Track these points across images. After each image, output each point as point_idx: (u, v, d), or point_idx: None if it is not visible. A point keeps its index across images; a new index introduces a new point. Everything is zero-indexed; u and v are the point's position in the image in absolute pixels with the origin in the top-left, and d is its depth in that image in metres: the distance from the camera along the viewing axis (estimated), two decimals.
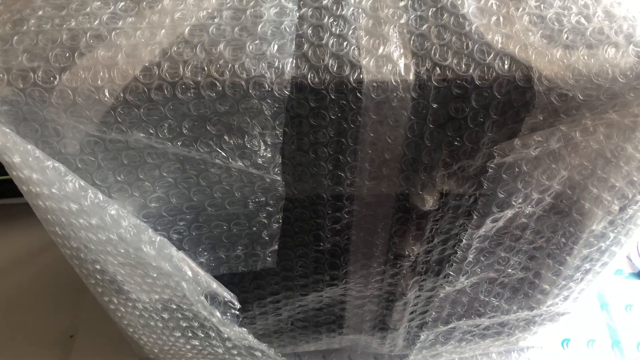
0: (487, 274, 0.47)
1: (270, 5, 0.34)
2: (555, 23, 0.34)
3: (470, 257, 0.44)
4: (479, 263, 0.45)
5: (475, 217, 0.40)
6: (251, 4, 0.34)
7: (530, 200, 0.39)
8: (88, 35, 0.33)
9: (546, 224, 0.42)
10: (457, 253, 0.44)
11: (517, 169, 0.37)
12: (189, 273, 0.36)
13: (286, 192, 0.39)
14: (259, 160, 0.36)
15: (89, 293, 0.49)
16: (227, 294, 0.39)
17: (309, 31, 0.34)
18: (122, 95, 0.32)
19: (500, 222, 0.41)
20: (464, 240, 0.42)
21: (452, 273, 0.46)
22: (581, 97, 0.33)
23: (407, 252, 0.43)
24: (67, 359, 0.65)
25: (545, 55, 0.33)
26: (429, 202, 0.39)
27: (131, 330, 0.50)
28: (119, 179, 0.36)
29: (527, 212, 0.40)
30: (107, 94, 0.32)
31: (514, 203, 0.39)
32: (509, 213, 0.40)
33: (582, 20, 0.34)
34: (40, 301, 0.70)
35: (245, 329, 0.42)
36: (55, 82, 0.32)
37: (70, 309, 0.69)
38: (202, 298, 0.38)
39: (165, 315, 0.44)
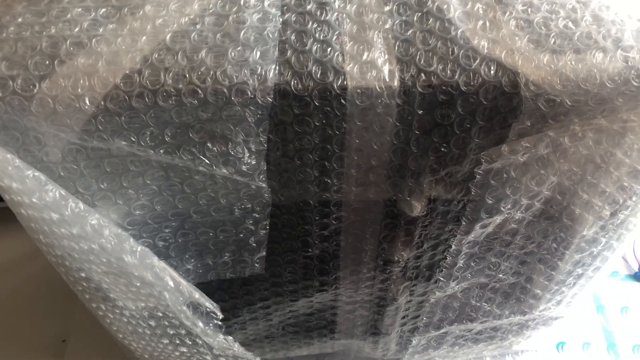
0: (478, 279, 0.47)
1: (253, 11, 0.34)
2: (543, 27, 0.33)
3: (461, 263, 0.44)
4: (469, 268, 0.45)
5: (464, 222, 0.40)
6: (234, 9, 0.34)
7: (520, 206, 0.39)
8: (68, 42, 0.32)
9: (536, 230, 0.42)
10: (447, 258, 0.43)
11: (505, 175, 0.36)
12: (171, 283, 0.36)
13: (273, 199, 0.38)
14: (244, 167, 0.35)
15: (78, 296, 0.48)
16: (209, 304, 0.38)
17: (293, 37, 0.33)
18: (102, 103, 0.31)
19: (490, 228, 0.40)
20: (453, 246, 0.42)
21: (442, 278, 0.46)
22: (569, 103, 0.33)
23: (396, 258, 0.43)
24: None
25: (532, 61, 0.32)
26: (417, 208, 0.38)
27: (121, 336, 0.50)
28: (102, 186, 0.36)
29: (517, 217, 0.40)
30: (87, 102, 0.31)
31: (502, 209, 0.38)
32: (498, 219, 0.39)
33: (570, 24, 0.33)
34: (33, 306, 0.69)
35: (230, 338, 0.42)
36: (35, 91, 0.31)
37: (62, 314, 0.68)
38: (185, 308, 0.38)
39: (152, 323, 0.44)
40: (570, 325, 0.66)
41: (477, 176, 0.36)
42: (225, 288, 0.46)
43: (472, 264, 0.44)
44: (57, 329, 0.67)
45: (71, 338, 0.67)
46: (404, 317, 0.53)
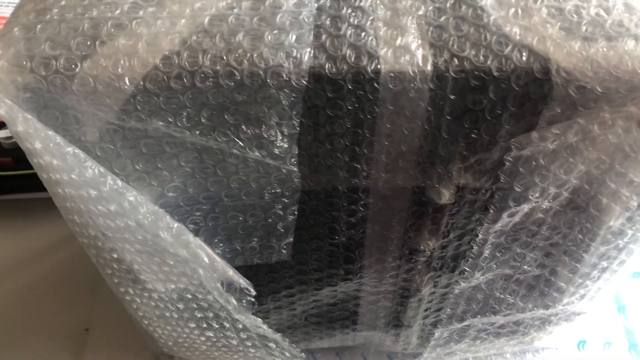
0: (503, 271, 0.47)
1: None
2: (574, 15, 0.34)
3: (486, 253, 0.44)
4: (495, 259, 0.45)
5: (491, 211, 0.40)
6: None
7: (547, 194, 0.39)
8: (109, 24, 0.33)
9: (563, 220, 0.42)
10: (472, 248, 0.44)
11: (534, 163, 0.36)
12: (206, 259, 0.36)
13: (302, 184, 0.39)
14: (276, 151, 0.36)
15: (104, 287, 0.49)
16: (243, 281, 0.39)
17: (327, 22, 0.34)
18: (142, 83, 0.32)
19: (517, 217, 0.41)
20: (480, 235, 0.42)
21: (467, 269, 0.46)
22: (600, 90, 0.33)
23: (422, 247, 0.43)
24: (81, 352, 0.66)
25: (563, 47, 0.33)
26: (445, 196, 0.38)
27: (146, 322, 0.51)
28: (137, 167, 0.37)
29: (544, 207, 0.40)
30: (127, 82, 0.32)
31: (530, 197, 0.38)
32: (525, 207, 0.40)
33: (602, 12, 0.34)
34: (56, 294, 0.70)
35: (259, 319, 0.42)
36: (77, 70, 0.32)
37: (85, 303, 0.69)
38: (218, 285, 0.38)
39: (181, 306, 0.45)
40: (592, 324, 0.66)
41: (507, 163, 0.37)
42: (250, 275, 0.47)
43: (498, 254, 0.45)
44: (80, 318, 0.68)
45: (94, 327, 0.68)
46: (426, 310, 0.53)
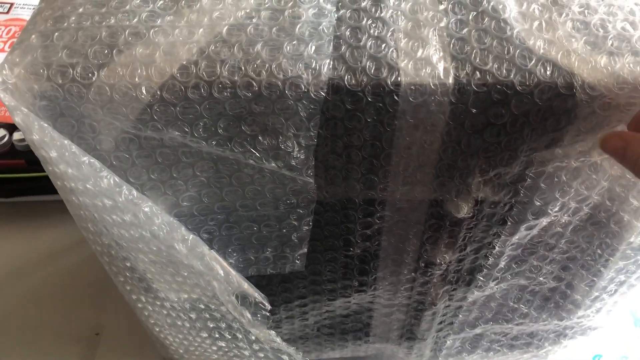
0: (518, 281, 0.46)
1: (308, 6, 0.34)
2: (600, 29, 0.33)
3: (502, 264, 0.43)
4: (510, 270, 0.45)
5: (509, 223, 0.39)
6: (289, 4, 0.34)
7: (567, 209, 0.38)
8: (127, 32, 0.33)
9: (582, 234, 0.41)
10: (489, 259, 0.43)
11: (556, 179, 0.36)
12: (221, 272, 0.36)
13: (317, 195, 0.38)
14: (292, 162, 0.35)
15: (116, 291, 0.49)
16: (258, 295, 0.38)
17: (347, 33, 0.33)
18: (159, 93, 0.32)
19: (535, 230, 0.40)
20: (496, 247, 0.42)
21: (482, 278, 0.45)
22: (625, 107, 0.32)
23: (438, 260, 0.42)
24: (92, 357, 0.66)
25: (588, 62, 0.32)
26: (464, 209, 0.38)
27: (157, 329, 0.50)
28: (152, 177, 0.36)
29: (563, 221, 0.39)
30: (144, 91, 0.32)
31: (550, 211, 0.38)
32: (544, 221, 0.39)
33: (628, 26, 0.33)
34: (67, 298, 0.70)
35: (273, 332, 0.42)
36: (94, 79, 0.32)
37: (96, 307, 0.69)
38: (233, 298, 0.38)
39: (193, 315, 0.44)
40: (608, 339, 0.65)
41: (528, 179, 0.36)
42: (264, 285, 0.46)
43: (514, 265, 0.44)
44: (91, 322, 0.68)
45: (105, 331, 0.67)
46: (441, 323, 0.52)
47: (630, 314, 0.69)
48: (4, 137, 0.74)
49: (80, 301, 0.70)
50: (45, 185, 0.76)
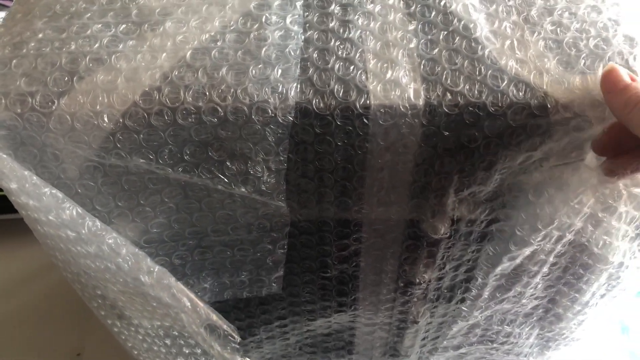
0: (502, 307, 0.45)
1: (274, 28, 0.33)
2: (572, 48, 0.32)
3: (486, 294, 0.43)
4: (494, 299, 0.44)
5: (491, 254, 0.39)
6: (255, 26, 0.33)
7: (550, 238, 0.37)
8: (88, 58, 0.32)
9: (564, 257, 0.40)
10: (471, 291, 0.42)
11: (538, 210, 0.35)
12: (188, 304, 0.35)
13: (291, 218, 0.38)
14: (263, 187, 0.34)
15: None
16: (226, 327, 0.37)
17: (315, 55, 0.32)
18: (121, 120, 0.31)
19: (518, 260, 0.39)
20: (479, 280, 0.41)
21: (465, 309, 0.44)
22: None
23: (418, 280, 0.42)
24: None
25: (561, 83, 0.31)
26: (440, 230, 0.37)
27: (136, 352, 0.49)
28: (119, 204, 0.35)
29: (547, 249, 0.38)
30: (106, 119, 0.31)
31: (532, 241, 0.37)
32: (527, 251, 0.38)
33: (601, 44, 0.32)
34: (49, 318, 0.69)
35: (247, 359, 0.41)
36: (54, 107, 0.31)
37: (78, 327, 0.68)
38: (202, 330, 0.37)
39: (168, 342, 0.43)
40: (595, 347, 0.64)
41: (508, 208, 0.35)
42: (241, 307, 0.45)
43: (498, 294, 0.43)
44: (73, 343, 0.67)
45: (86, 352, 0.66)
46: (424, 339, 0.51)
47: (617, 322, 0.68)
48: None
49: (61, 321, 0.69)
50: None
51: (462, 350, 0.52)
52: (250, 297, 0.43)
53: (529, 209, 0.35)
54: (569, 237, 0.37)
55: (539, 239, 0.36)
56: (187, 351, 0.44)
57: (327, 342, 0.52)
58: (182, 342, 0.43)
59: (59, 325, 0.69)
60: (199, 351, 0.43)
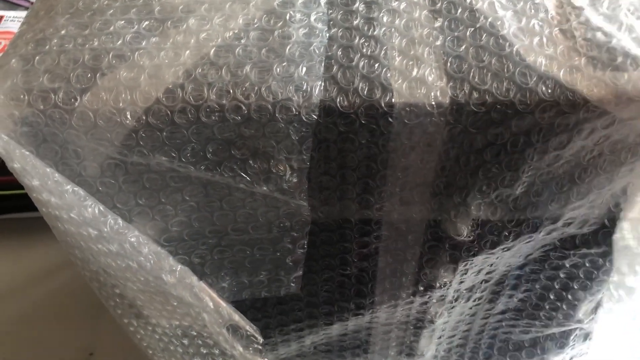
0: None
1: (299, 26, 0.33)
2: (603, 44, 0.32)
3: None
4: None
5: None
6: (279, 24, 0.33)
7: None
8: (110, 55, 0.32)
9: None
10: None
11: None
12: (210, 304, 0.35)
13: (312, 216, 0.37)
14: (285, 185, 0.34)
15: (109, 311, 0.48)
16: (249, 327, 0.37)
17: (339, 52, 0.32)
18: (144, 117, 0.31)
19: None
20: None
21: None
22: (630, 123, 0.31)
23: (438, 284, 0.41)
24: None
25: (592, 79, 0.31)
26: (463, 231, 0.37)
27: (150, 352, 0.49)
28: (140, 202, 0.35)
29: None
30: (128, 116, 0.31)
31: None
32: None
33: (631, 42, 0.32)
34: (61, 318, 0.69)
35: None
36: (76, 104, 0.31)
37: (90, 327, 0.68)
38: (224, 330, 0.37)
39: (186, 341, 0.43)
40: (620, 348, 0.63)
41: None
42: (258, 307, 0.45)
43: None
44: (85, 342, 0.67)
45: (98, 351, 0.66)
46: (440, 337, 0.51)
47: None
48: None
49: (73, 320, 0.69)
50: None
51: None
52: (268, 297, 0.43)
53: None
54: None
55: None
56: (204, 351, 0.44)
57: (342, 341, 0.52)
58: (200, 342, 0.42)
59: (71, 324, 0.68)
60: (216, 351, 0.43)
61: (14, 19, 0.85)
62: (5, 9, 0.88)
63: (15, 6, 0.88)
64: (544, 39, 0.32)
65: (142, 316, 0.42)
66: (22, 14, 0.86)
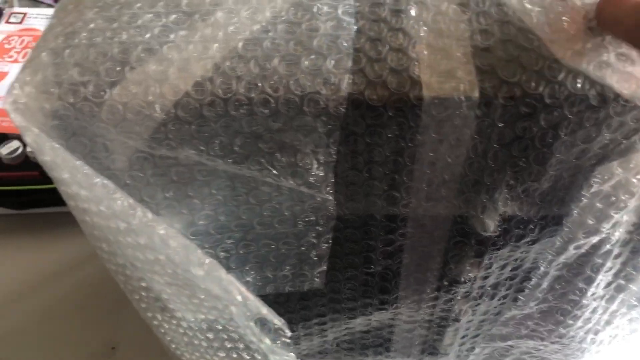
0: (561, 305, 0.44)
1: (326, 19, 0.33)
2: None
3: (545, 285, 0.42)
4: (553, 291, 0.43)
5: (558, 243, 0.38)
6: (306, 17, 0.33)
7: (620, 224, 0.36)
8: (139, 48, 0.32)
9: (629, 246, 0.39)
10: (531, 280, 0.41)
11: (613, 197, 0.34)
12: (239, 297, 0.35)
13: (337, 212, 0.37)
14: (311, 179, 0.34)
15: (132, 305, 0.48)
16: (277, 321, 0.37)
17: (367, 45, 0.32)
18: (173, 110, 0.31)
19: (583, 249, 0.38)
20: (542, 268, 0.40)
21: (522, 297, 0.43)
22: None
23: (463, 279, 0.41)
24: None
25: (622, 73, 0.30)
26: (490, 227, 0.36)
27: (174, 346, 0.49)
28: (167, 195, 0.35)
29: (614, 238, 0.37)
30: (158, 109, 0.31)
31: (602, 229, 0.36)
32: (594, 239, 0.37)
33: None
34: (83, 312, 0.70)
35: (293, 355, 0.41)
36: (106, 97, 0.31)
37: (112, 320, 0.68)
38: (251, 324, 0.37)
39: (210, 335, 0.43)
40: None
41: (584, 200, 0.34)
42: (281, 302, 0.45)
43: (557, 286, 0.42)
44: (107, 336, 0.67)
45: (120, 345, 0.67)
46: (463, 337, 0.51)
47: None
48: (17, 148, 0.74)
49: (96, 314, 0.69)
50: (59, 197, 0.75)
51: (510, 342, 0.51)
52: (291, 292, 0.43)
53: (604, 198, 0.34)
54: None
55: (608, 227, 0.35)
56: (229, 345, 0.44)
57: (365, 339, 0.52)
58: (225, 335, 0.43)
59: (93, 318, 0.69)
60: (241, 346, 0.43)
61: (37, 16, 0.86)
62: (28, 6, 0.89)
63: (39, 3, 0.89)
64: (573, 34, 0.32)
65: (167, 310, 0.42)
66: (45, 11, 0.87)
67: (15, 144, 0.74)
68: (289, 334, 0.39)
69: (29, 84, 0.31)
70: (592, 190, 0.33)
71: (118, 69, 0.31)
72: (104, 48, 0.32)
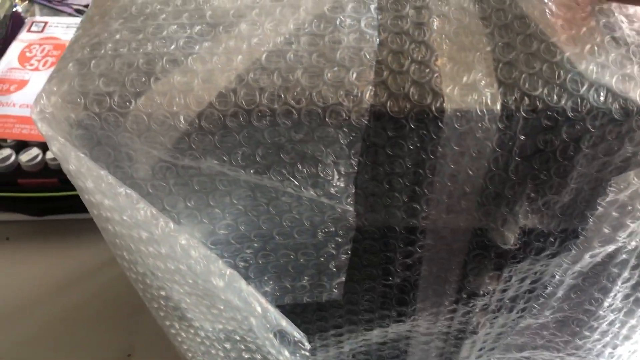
0: (577, 315, 0.44)
1: (349, 31, 0.33)
2: None
3: (560, 293, 0.41)
4: (569, 300, 0.42)
5: (573, 251, 0.37)
6: (329, 29, 0.33)
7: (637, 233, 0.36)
8: (164, 60, 0.32)
9: None
10: (547, 288, 0.41)
11: (629, 207, 0.34)
12: (259, 309, 0.35)
13: (357, 223, 0.37)
14: (332, 190, 0.34)
15: (148, 312, 0.48)
16: (297, 334, 0.37)
17: (389, 57, 0.32)
18: (197, 121, 0.31)
19: (599, 258, 0.38)
20: (556, 277, 0.40)
21: (537, 306, 0.43)
22: None
23: (482, 292, 0.41)
24: None
25: None
26: (510, 240, 0.36)
27: (190, 355, 0.50)
28: (189, 204, 0.35)
29: (630, 247, 0.37)
30: (182, 120, 0.31)
31: (618, 238, 0.36)
32: (610, 248, 0.37)
33: None
34: (99, 318, 0.70)
35: None
36: (131, 107, 0.31)
37: (128, 328, 0.69)
38: (271, 335, 0.37)
39: (228, 346, 0.43)
40: None
41: (599, 208, 0.34)
42: (298, 312, 0.45)
43: (572, 295, 0.42)
44: (123, 343, 0.68)
45: (136, 353, 0.67)
46: (481, 349, 0.50)
47: None
48: (37, 156, 0.75)
49: (112, 321, 0.70)
50: (78, 204, 0.76)
51: (525, 353, 0.51)
52: (308, 303, 0.43)
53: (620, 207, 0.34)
54: None
55: (624, 235, 0.35)
56: (246, 356, 0.44)
57: (381, 350, 0.52)
58: (243, 346, 0.43)
59: (110, 326, 0.69)
60: (259, 357, 0.43)
61: (58, 25, 0.87)
62: (50, 15, 0.90)
63: (60, 12, 0.90)
64: (595, 47, 0.32)
65: (186, 319, 0.42)
66: (66, 20, 0.89)
67: (35, 151, 0.75)
68: (308, 347, 0.39)
69: (55, 94, 0.32)
70: (608, 199, 0.33)
71: (143, 79, 0.32)
72: (129, 59, 0.32)
